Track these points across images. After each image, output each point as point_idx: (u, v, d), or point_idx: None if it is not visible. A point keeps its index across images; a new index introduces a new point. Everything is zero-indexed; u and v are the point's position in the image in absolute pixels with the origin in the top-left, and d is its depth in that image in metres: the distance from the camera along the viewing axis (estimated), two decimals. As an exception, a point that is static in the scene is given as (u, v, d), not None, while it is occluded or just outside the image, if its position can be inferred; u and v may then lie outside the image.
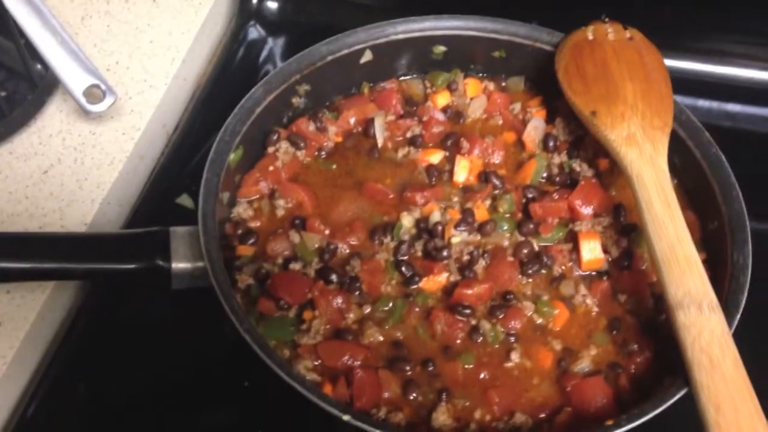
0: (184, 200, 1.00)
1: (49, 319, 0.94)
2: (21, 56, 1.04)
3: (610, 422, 0.72)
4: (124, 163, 1.05)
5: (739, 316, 0.78)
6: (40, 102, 1.08)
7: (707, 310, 0.74)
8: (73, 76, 1.00)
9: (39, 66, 1.07)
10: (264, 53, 1.24)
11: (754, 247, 0.84)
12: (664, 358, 0.79)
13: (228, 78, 1.22)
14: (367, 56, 1.01)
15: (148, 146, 1.11)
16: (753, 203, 0.89)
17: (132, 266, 0.78)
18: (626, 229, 0.91)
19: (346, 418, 0.70)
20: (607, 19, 0.99)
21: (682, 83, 1.17)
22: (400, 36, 1.00)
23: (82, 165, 1.05)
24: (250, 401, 0.90)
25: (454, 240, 0.89)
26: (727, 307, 0.78)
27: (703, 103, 1.20)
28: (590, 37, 0.97)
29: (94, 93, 1.01)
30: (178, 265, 0.79)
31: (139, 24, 1.20)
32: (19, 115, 1.05)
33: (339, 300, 0.83)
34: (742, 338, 0.77)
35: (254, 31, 1.27)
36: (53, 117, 1.09)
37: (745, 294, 0.79)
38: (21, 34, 1.00)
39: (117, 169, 1.04)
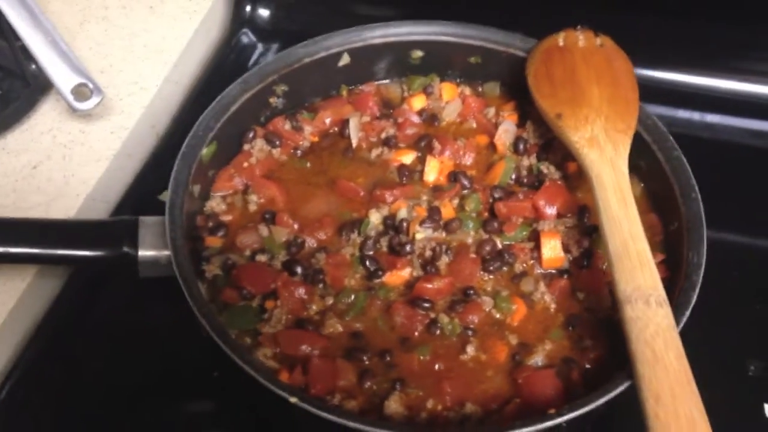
0: (166, 196, 1.02)
1: (29, 308, 0.97)
2: (15, 56, 1.08)
3: (552, 411, 0.73)
4: (111, 161, 1.09)
5: (688, 313, 0.79)
6: (33, 101, 1.12)
7: (654, 304, 0.76)
8: (61, 75, 1.04)
9: (33, 66, 1.11)
10: (254, 59, 1.28)
11: (716, 255, 0.85)
12: (617, 354, 0.80)
13: (218, 82, 1.23)
14: (345, 59, 1.04)
15: (137, 145, 1.14)
16: (722, 213, 0.91)
17: (99, 253, 0.81)
18: (589, 229, 0.92)
19: (293, 400, 0.72)
20: (579, 27, 1.01)
21: (662, 93, 1.19)
22: (378, 40, 1.03)
23: (70, 161, 1.08)
24: (220, 391, 0.92)
25: (418, 236, 0.91)
26: (678, 304, 0.79)
27: (682, 113, 1.21)
28: (561, 43, 1.00)
29: (82, 92, 1.05)
30: (145, 253, 0.82)
31: (134, 29, 1.25)
32: (12, 112, 1.09)
33: (301, 291, 0.86)
34: (691, 336, 0.78)
35: (246, 38, 1.31)
36: (45, 115, 1.13)
37: (696, 292, 0.80)
38: (16, 35, 1.05)
39: (103, 167, 1.08)
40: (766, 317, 0.97)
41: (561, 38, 1.00)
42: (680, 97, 1.20)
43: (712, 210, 0.90)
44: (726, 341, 0.95)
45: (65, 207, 1.03)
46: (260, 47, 1.29)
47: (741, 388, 0.93)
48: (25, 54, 1.08)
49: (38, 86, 1.12)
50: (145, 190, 1.10)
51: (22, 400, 0.89)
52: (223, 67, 1.27)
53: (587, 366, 0.83)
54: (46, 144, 1.09)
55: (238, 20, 1.30)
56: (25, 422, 0.89)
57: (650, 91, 1.05)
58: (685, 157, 0.92)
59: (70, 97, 1.04)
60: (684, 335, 0.78)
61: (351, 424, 0.72)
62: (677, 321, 0.77)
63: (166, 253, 0.81)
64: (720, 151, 1.16)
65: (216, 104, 0.94)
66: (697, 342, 0.79)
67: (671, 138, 0.93)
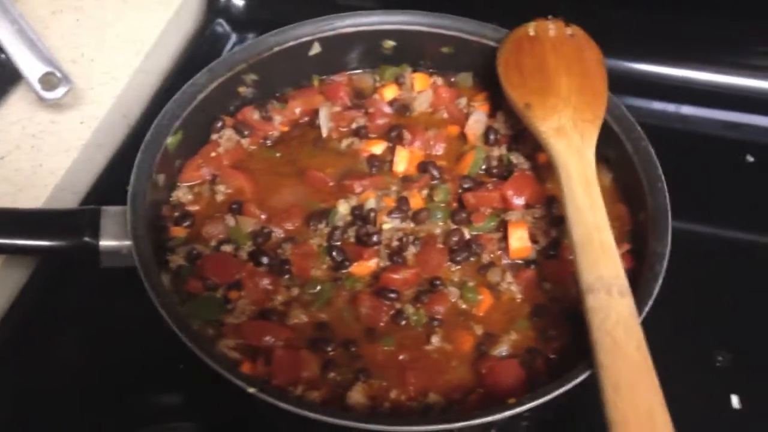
0: (132, 186, 1.02)
1: (-5, 298, 0.96)
2: (-18, 45, 1.07)
3: (512, 400, 0.73)
4: (80, 151, 1.08)
5: (651, 302, 0.79)
6: (2, 91, 1.11)
7: (617, 294, 0.76)
8: (28, 64, 1.03)
9: (2, 56, 1.09)
10: (227, 49, 1.27)
11: (686, 246, 0.85)
12: (582, 345, 0.79)
13: (191, 72, 1.22)
14: (316, 48, 1.03)
15: (107, 135, 1.14)
16: (693, 204, 0.92)
17: (59, 243, 0.80)
18: (557, 220, 0.92)
19: (251, 390, 0.71)
20: (550, 17, 1.01)
21: (637, 85, 1.19)
22: (348, 29, 1.03)
23: (39, 152, 1.07)
24: (186, 383, 0.92)
25: (386, 226, 0.90)
26: (640, 294, 0.79)
27: (657, 105, 1.21)
28: (531, 33, 0.99)
29: (50, 80, 1.04)
30: (106, 242, 0.81)
31: (107, 19, 1.24)
32: (-20, 102, 1.08)
33: (266, 281, 0.85)
34: (659, 327, 0.78)
35: (220, 28, 1.30)
36: (15, 105, 1.12)
37: (659, 282, 0.80)
38: (-16, 24, 1.04)
39: (72, 157, 1.07)
40: (734, 308, 0.97)
41: (531, 28, 1.00)
42: (655, 89, 1.20)
43: (683, 201, 0.89)
44: (693, 332, 0.95)
45: (33, 197, 1.02)
46: (234, 37, 1.28)
47: (709, 379, 0.93)
48: (-5, 43, 1.06)
49: (7, 76, 1.10)
50: (115, 180, 1.08)
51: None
52: (197, 57, 1.26)
53: (552, 356, 0.83)
54: (15, 134, 1.08)
55: (212, 10, 1.30)
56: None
57: (625, 83, 1.06)
58: (659, 149, 0.92)
59: (38, 86, 1.03)
60: (651, 327, 0.78)
61: (311, 414, 0.71)
62: (639, 311, 0.77)
63: (128, 243, 0.81)
64: (693, 143, 1.16)
65: (182, 93, 0.93)
66: (664, 333, 0.79)
67: (639, 128, 0.93)
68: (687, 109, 1.20)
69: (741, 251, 1.04)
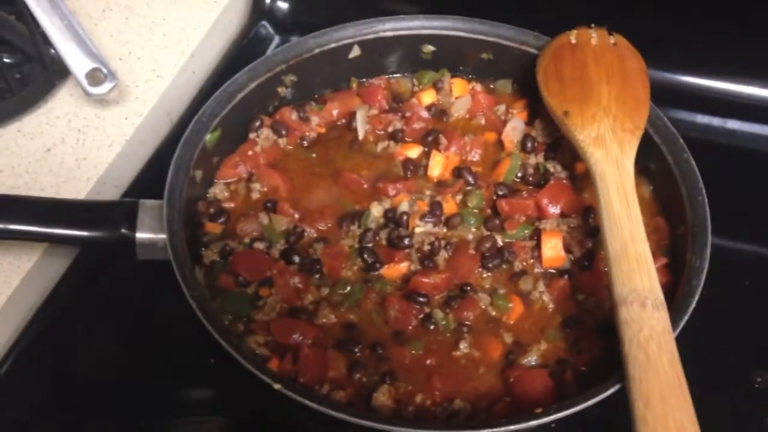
0: (172, 181, 1.03)
1: (33, 288, 0.98)
2: (34, 41, 1.10)
3: (539, 410, 0.72)
4: (123, 146, 1.10)
5: (686, 317, 0.77)
6: (51, 85, 1.14)
7: (651, 307, 0.74)
8: (76, 59, 1.05)
9: (52, 51, 1.12)
10: (270, 51, 1.28)
11: (726, 263, 0.83)
12: (614, 358, 0.78)
13: (234, 72, 1.24)
14: (356, 51, 1.03)
15: (150, 132, 1.15)
16: (735, 221, 0.91)
17: (97, 234, 0.82)
18: (593, 231, 0.91)
19: (276, 387, 0.72)
20: (593, 26, 1.00)
21: (682, 97, 1.17)
22: (389, 33, 1.03)
23: (83, 146, 1.09)
24: (215, 378, 0.92)
25: (418, 230, 0.90)
26: (676, 309, 0.77)
27: (702, 118, 1.18)
28: (573, 41, 0.98)
29: (97, 76, 1.06)
30: (143, 235, 0.83)
31: (155, 18, 1.26)
32: (29, 95, 1.11)
33: (297, 280, 0.86)
34: (696, 346, 0.76)
35: (264, 30, 1.32)
36: (63, 100, 1.14)
37: (696, 297, 0.78)
38: (35, 20, 1.07)
39: (115, 151, 1.09)
40: (772, 327, 0.95)
41: (573, 36, 0.99)
42: (701, 102, 1.18)
43: (724, 217, 0.88)
44: (732, 352, 0.92)
45: (75, 190, 1.04)
46: (277, 40, 1.29)
47: (745, 400, 0.91)
48: (44, 39, 1.09)
49: (56, 71, 1.13)
50: (156, 175, 1.10)
51: (19, 378, 0.90)
52: (240, 58, 1.27)
53: (582, 368, 0.82)
54: (61, 128, 1.11)
55: (257, 12, 1.31)
56: (21, 400, 0.90)
57: (670, 95, 1.04)
58: (702, 163, 0.91)
59: (84, 82, 1.05)
60: (687, 344, 0.76)
61: (335, 414, 0.71)
62: (674, 325, 0.75)
63: (163, 236, 0.82)
64: (738, 158, 1.13)
65: (222, 91, 0.94)
66: (701, 351, 0.78)
67: (681, 140, 0.91)
68: (733, 124, 1.17)
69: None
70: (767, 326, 0.95)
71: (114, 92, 1.08)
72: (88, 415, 0.90)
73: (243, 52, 1.29)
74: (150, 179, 1.10)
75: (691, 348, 0.76)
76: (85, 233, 0.82)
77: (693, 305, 0.78)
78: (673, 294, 0.80)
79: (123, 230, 0.82)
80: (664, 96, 0.98)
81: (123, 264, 0.98)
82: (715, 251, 0.85)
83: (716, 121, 1.18)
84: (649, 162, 0.93)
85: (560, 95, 0.94)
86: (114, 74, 1.07)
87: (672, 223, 0.90)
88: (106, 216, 0.83)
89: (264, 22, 1.32)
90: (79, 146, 1.09)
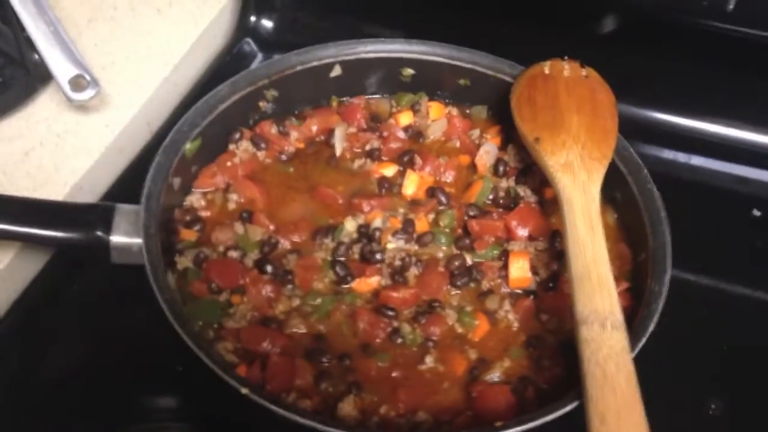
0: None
1: (4, 289, 0.98)
2: (18, 45, 1.11)
3: (499, 424, 0.73)
4: (102, 153, 1.11)
5: (644, 340, 0.80)
6: (32, 89, 1.15)
7: (610, 327, 0.77)
8: (60, 65, 1.06)
9: (36, 56, 1.13)
10: (253, 67, 1.29)
11: (686, 296, 0.86)
12: (575, 377, 0.80)
13: (215, 87, 1.27)
14: (337, 71, 1.06)
15: (129, 141, 1.16)
16: (696, 255, 0.94)
17: (71, 235, 0.82)
18: (559, 254, 0.94)
19: (244, 391, 0.73)
20: (566, 58, 1.04)
21: (649, 132, 1.21)
22: (370, 54, 1.06)
23: (62, 151, 1.10)
24: (182, 386, 0.93)
25: (390, 246, 0.92)
26: (635, 331, 0.80)
27: (667, 153, 1.22)
28: (546, 71, 1.02)
29: (79, 83, 1.07)
30: (118, 239, 0.83)
31: (140, 30, 1.27)
32: (10, 98, 1.12)
33: (269, 289, 0.87)
34: (653, 374, 0.78)
35: (248, 47, 1.34)
36: (43, 105, 1.15)
37: (655, 320, 0.81)
38: (21, 25, 1.08)
39: (93, 158, 1.10)
40: (730, 359, 0.98)
41: (547, 66, 1.02)
42: (667, 138, 1.21)
43: (686, 251, 0.91)
44: (689, 379, 0.95)
45: (52, 193, 1.04)
46: (260, 57, 1.32)
47: (701, 427, 0.93)
48: (29, 44, 1.10)
49: (39, 76, 1.14)
50: (133, 183, 1.11)
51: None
52: (223, 73, 1.28)
53: (544, 386, 0.84)
54: (40, 132, 1.11)
55: (241, 29, 1.33)
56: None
57: (637, 129, 1.08)
58: (666, 198, 0.94)
59: (67, 87, 1.06)
60: (647, 370, 0.78)
61: (301, 420, 0.73)
62: (633, 346, 0.78)
63: (138, 240, 0.83)
64: (701, 194, 1.16)
65: (204, 102, 0.96)
66: (660, 378, 0.80)
67: (645, 170, 0.95)
68: (697, 160, 1.21)
69: (740, 304, 1.05)
70: (723, 357, 0.98)
71: (95, 99, 1.09)
72: (52, 419, 0.89)
73: (226, 67, 1.30)
74: (126, 186, 1.11)
75: (650, 374, 0.78)
76: (59, 234, 0.83)
77: (651, 327, 0.81)
78: (633, 318, 0.82)
79: (98, 233, 0.83)
80: (632, 130, 1.01)
81: (94, 270, 0.98)
82: (676, 283, 0.88)
83: (681, 157, 1.22)
84: (615, 191, 0.96)
85: (532, 122, 0.97)
86: (96, 81, 1.08)
87: (635, 249, 0.94)
88: (81, 218, 0.84)
89: (248, 39, 1.34)
90: (57, 151, 1.10)
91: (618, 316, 0.78)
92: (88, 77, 1.07)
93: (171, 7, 1.31)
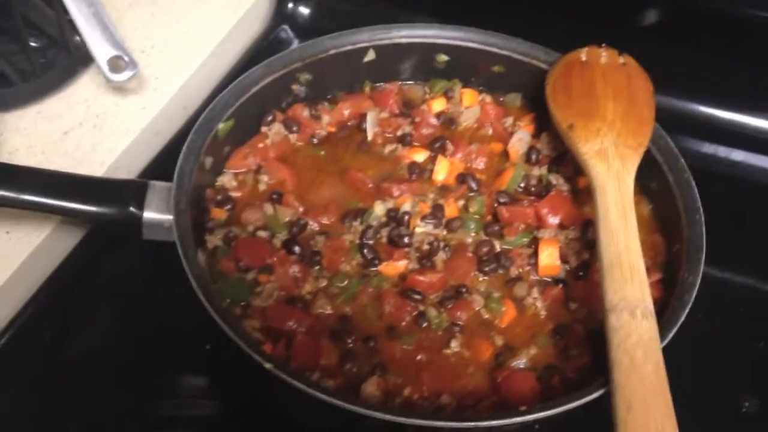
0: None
1: (41, 262, 1.00)
2: (61, 27, 1.13)
3: (523, 408, 0.73)
4: (138, 135, 1.12)
5: (675, 330, 0.78)
6: (74, 71, 1.17)
7: (640, 316, 0.75)
8: (100, 46, 1.08)
9: (77, 38, 1.15)
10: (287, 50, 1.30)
11: (721, 292, 0.84)
12: (602, 367, 0.79)
13: (251, 72, 1.28)
14: (371, 55, 1.06)
15: (166, 123, 1.18)
16: (732, 251, 0.93)
17: (105, 209, 0.84)
18: (591, 244, 0.92)
19: (267, 366, 0.73)
20: (603, 45, 1.02)
21: (689, 125, 1.18)
22: (404, 39, 1.05)
23: (100, 131, 1.12)
24: (211, 364, 0.94)
25: (418, 230, 0.92)
26: (666, 321, 0.78)
27: (708, 147, 1.20)
28: (583, 58, 1.01)
29: (118, 64, 1.09)
30: (150, 215, 0.85)
31: (179, 15, 1.29)
32: (51, 79, 1.14)
33: (296, 269, 0.87)
34: (685, 370, 0.77)
35: (284, 34, 1.34)
36: (83, 86, 1.17)
37: (686, 311, 0.80)
38: (64, 7, 1.10)
39: (130, 139, 1.12)
40: (766, 357, 0.95)
41: (584, 54, 1.01)
42: (707, 131, 1.19)
43: (723, 247, 0.89)
44: (721, 375, 0.93)
45: (89, 172, 1.06)
46: (297, 43, 1.32)
47: (732, 425, 0.91)
48: (71, 26, 1.12)
49: (80, 57, 1.16)
50: (168, 164, 1.13)
51: (17, 352, 0.91)
52: (259, 58, 1.28)
53: (570, 375, 0.83)
54: (79, 112, 1.14)
55: (279, 16, 1.34)
56: (18, 374, 0.91)
57: (677, 122, 1.05)
58: (705, 192, 0.92)
59: (106, 68, 1.08)
60: (679, 365, 0.77)
61: (324, 397, 0.73)
62: (663, 336, 0.76)
63: (169, 217, 0.84)
64: (741, 190, 1.14)
65: (237, 83, 0.97)
66: (692, 373, 0.79)
67: (682, 160, 0.93)
68: (738, 155, 1.18)
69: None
70: (756, 353, 0.96)
71: (133, 81, 1.10)
72: (82, 393, 0.91)
73: (263, 53, 1.31)
74: (162, 167, 1.12)
75: (682, 369, 0.77)
76: (94, 208, 0.84)
77: (683, 318, 0.79)
78: (665, 309, 0.81)
79: (131, 208, 0.84)
80: (671, 122, 0.99)
81: (127, 248, 1.00)
82: (712, 279, 0.87)
83: (722, 151, 1.20)
84: (651, 180, 0.94)
85: (567, 109, 0.96)
86: (135, 63, 1.10)
87: (669, 240, 0.92)
88: (115, 193, 0.85)
89: (285, 26, 1.35)
90: (95, 131, 1.12)
91: (648, 304, 0.77)
92: (126, 58, 1.09)
93: (210, -6, 1.32)
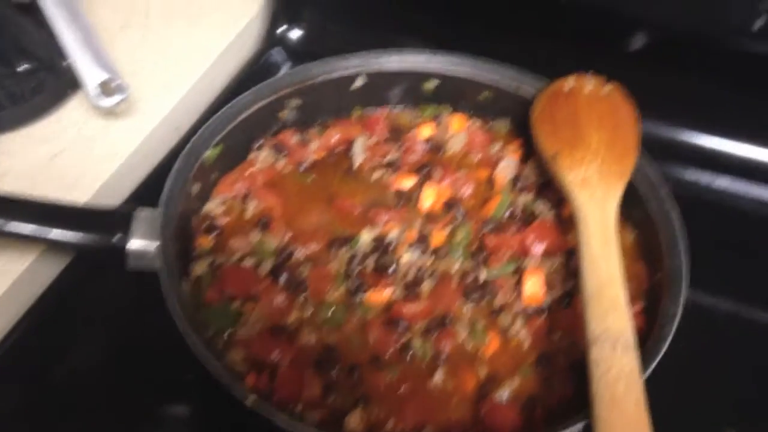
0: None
1: (23, 291, 0.99)
2: (51, 50, 1.14)
3: (505, 440, 0.73)
4: (127, 158, 1.12)
5: (656, 362, 0.78)
6: (63, 94, 1.17)
7: (621, 348, 0.75)
8: (90, 70, 1.08)
9: (66, 62, 1.16)
10: (276, 77, 1.30)
11: (703, 320, 0.85)
12: (583, 398, 0.79)
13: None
14: (360, 81, 1.06)
15: (156, 146, 1.18)
16: (715, 279, 0.93)
17: (90, 238, 0.83)
18: (575, 272, 0.92)
19: (247, 402, 0.73)
20: (590, 72, 1.03)
21: (673, 151, 1.18)
22: (393, 66, 1.06)
23: (89, 155, 1.12)
24: (193, 394, 0.93)
25: (404, 258, 0.92)
26: (647, 353, 0.78)
27: (691, 174, 1.20)
28: (569, 87, 1.01)
29: (108, 88, 1.10)
30: (135, 243, 0.84)
31: (171, 38, 1.30)
32: (40, 103, 1.14)
33: (281, 298, 0.87)
34: (667, 398, 0.77)
35: (276, 56, 1.35)
36: (73, 110, 1.17)
37: (667, 342, 0.80)
38: (54, 29, 1.10)
39: (119, 163, 1.12)
40: (748, 386, 0.95)
41: (570, 82, 1.02)
42: (690, 158, 1.19)
43: (706, 274, 0.89)
44: (704, 405, 0.93)
45: (77, 197, 1.06)
46: (289, 65, 1.33)
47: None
48: (61, 49, 1.13)
49: (69, 81, 1.16)
50: (158, 187, 1.13)
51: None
52: (251, 81, 1.29)
53: (552, 406, 0.82)
54: (68, 136, 1.14)
55: (270, 39, 1.34)
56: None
57: (661, 148, 1.05)
58: (688, 220, 0.92)
59: (95, 92, 1.08)
60: (661, 395, 0.77)
61: None
62: (644, 367, 0.76)
63: (155, 244, 0.84)
64: (725, 217, 1.14)
65: (226, 110, 0.97)
66: (674, 403, 0.79)
67: (664, 188, 0.93)
68: (721, 181, 1.19)
69: (761, 331, 1.02)
70: (740, 381, 0.96)
71: (123, 105, 1.11)
72: (62, 422, 0.90)
73: (255, 75, 1.31)
74: (151, 190, 1.12)
75: (664, 398, 0.77)
76: (77, 240, 0.84)
77: (664, 349, 0.79)
78: (647, 339, 0.81)
79: (116, 237, 0.84)
80: (655, 149, 0.99)
81: (111, 277, 0.99)
82: (695, 306, 0.87)
83: (705, 178, 1.20)
84: (634, 209, 0.94)
85: (552, 137, 0.96)
86: (125, 86, 1.10)
87: (651, 269, 0.92)
88: (99, 222, 0.85)
89: (277, 49, 1.35)
90: (84, 155, 1.12)
91: (629, 337, 0.77)
92: (116, 82, 1.09)
93: (202, 16, 1.33)
